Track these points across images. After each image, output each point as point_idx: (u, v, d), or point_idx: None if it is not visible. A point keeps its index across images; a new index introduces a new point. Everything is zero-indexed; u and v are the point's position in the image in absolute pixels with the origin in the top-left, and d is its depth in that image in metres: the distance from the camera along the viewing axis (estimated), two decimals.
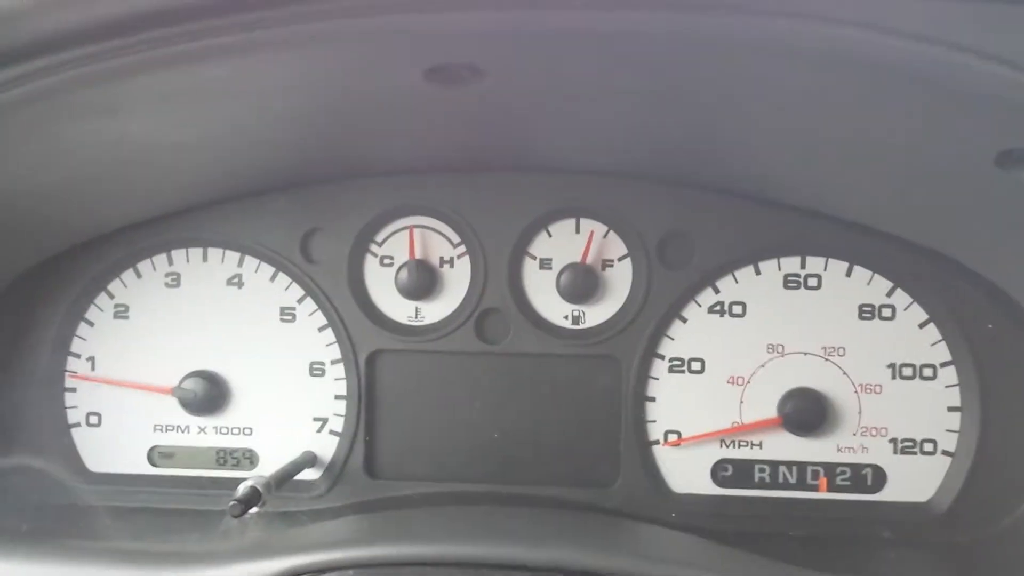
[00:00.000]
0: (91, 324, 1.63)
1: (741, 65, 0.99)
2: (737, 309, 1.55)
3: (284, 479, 1.49)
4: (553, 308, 1.58)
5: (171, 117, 1.13)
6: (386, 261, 1.61)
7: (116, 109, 1.04)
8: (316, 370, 1.61)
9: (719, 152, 1.39)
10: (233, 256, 1.62)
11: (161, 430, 1.62)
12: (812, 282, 1.53)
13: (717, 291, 1.55)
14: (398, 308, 1.61)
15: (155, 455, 1.63)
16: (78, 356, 1.64)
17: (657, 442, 1.56)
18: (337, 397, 1.60)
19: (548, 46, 0.90)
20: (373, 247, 1.61)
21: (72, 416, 1.64)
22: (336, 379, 1.60)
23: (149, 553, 1.25)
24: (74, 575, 1.22)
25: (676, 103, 1.17)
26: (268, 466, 1.58)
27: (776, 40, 0.85)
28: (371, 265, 1.61)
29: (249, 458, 1.62)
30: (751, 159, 1.39)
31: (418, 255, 1.59)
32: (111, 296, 1.63)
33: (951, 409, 1.51)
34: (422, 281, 1.57)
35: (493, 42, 0.90)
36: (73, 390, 1.64)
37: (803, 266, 1.53)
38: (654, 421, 1.56)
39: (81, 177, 1.33)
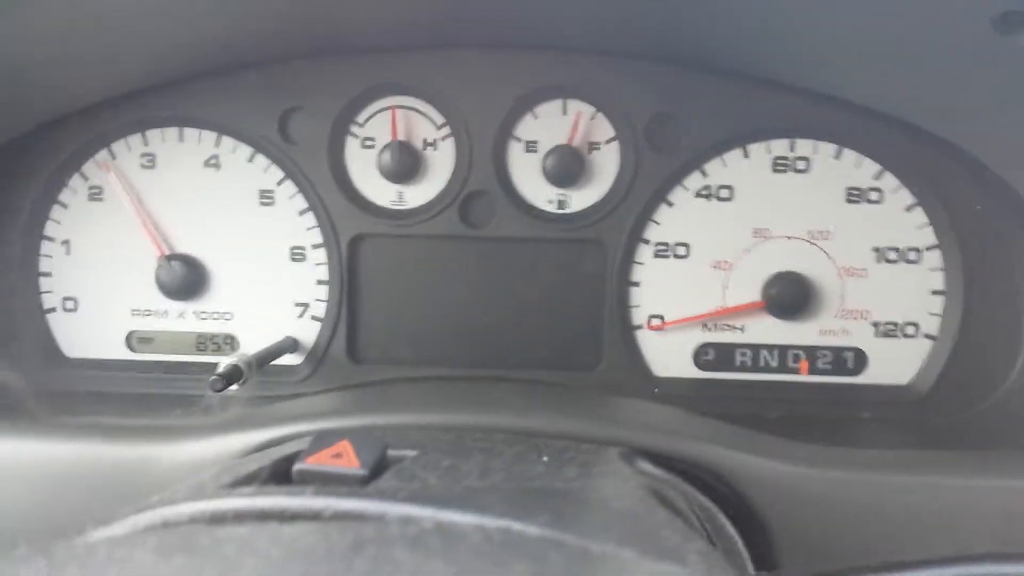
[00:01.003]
0: (65, 207, 1.59)
1: None
2: (724, 193, 1.53)
3: (265, 360, 1.48)
4: (538, 192, 1.56)
5: None
6: (367, 143, 1.57)
7: None
8: (297, 255, 1.58)
9: (710, 26, 1.36)
10: (210, 136, 1.57)
11: (140, 315, 1.60)
12: (801, 165, 1.52)
13: (705, 175, 1.53)
14: (380, 191, 1.58)
15: (133, 340, 1.61)
16: (52, 240, 1.60)
17: (640, 327, 1.56)
18: (319, 282, 1.58)
19: None
20: (354, 128, 1.57)
21: (47, 301, 1.61)
22: (317, 264, 1.58)
23: (128, 428, 1.24)
24: (52, 450, 1.21)
25: None
26: (249, 351, 1.55)
27: None
28: (352, 147, 1.57)
29: (230, 343, 1.60)
30: (742, 33, 1.35)
31: (401, 136, 1.55)
32: (85, 178, 1.59)
33: (934, 293, 1.51)
34: (405, 163, 1.54)
35: None
36: (48, 275, 1.60)
37: (792, 148, 1.52)
38: (638, 306, 1.56)
39: (46, 50, 1.28)
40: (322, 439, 0.88)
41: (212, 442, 1.18)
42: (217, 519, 0.69)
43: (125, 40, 1.34)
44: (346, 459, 0.84)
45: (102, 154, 1.58)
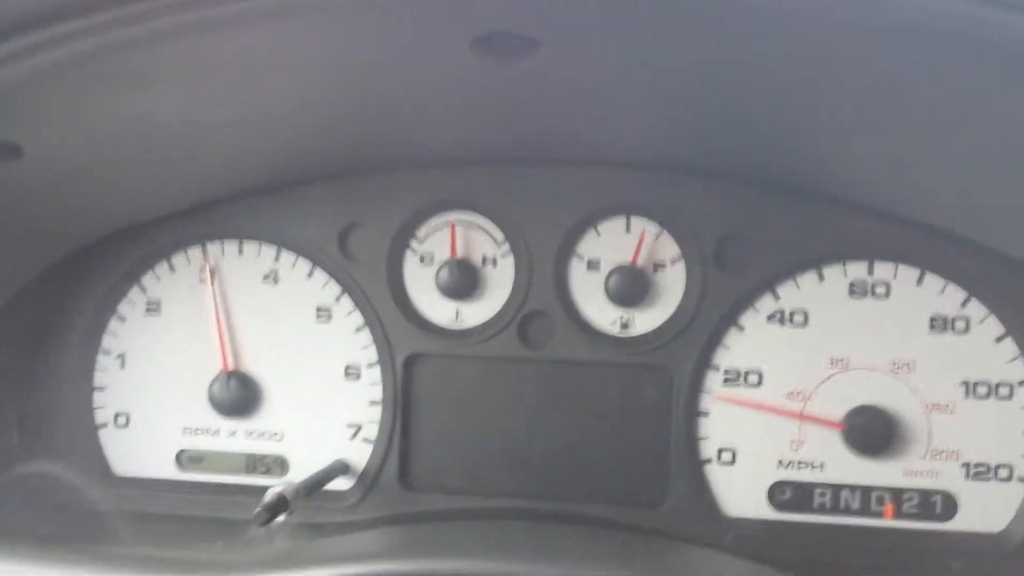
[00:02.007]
0: (122, 319, 1.58)
1: (823, 45, 0.90)
2: (798, 318, 1.45)
3: (314, 487, 1.41)
4: (601, 312, 1.50)
5: (203, 93, 1.07)
6: (426, 259, 1.53)
7: (145, 81, 0.98)
8: (351, 373, 1.54)
9: (783, 147, 1.30)
10: (270, 250, 1.56)
11: (191, 433, 1.56)
12: (880, 290, 1.43)
13: (777, 298, 1.45)
14: (438, 309, 1.53)
15: (183, 459, 1.57)
16: (108, 353, 1.58)
17: (709, 460, 1.46)
18: (372, 403, 1.53)
19: (610, 15, 0.82)
20: (413, 244, 1.53)
21: (99, 416, 1.58)
22: (372, 384, 1.53)
23: (169, 560, 1.19)
24: None
25: (742, 89, 1.08)
26: (299, 473, 1.51)
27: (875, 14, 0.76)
28: (411, 263, 1.54)
29: (280, 464, 1.55)
30: (820, 155, 1.29)
31: (460, 253, 1.52)
32: (143, 290, 1.58)
33: None
34: (463, 281, 1.50)
35: (550, 8, 0.82)
36: (102, 389, 1.58)
37: (871, 272, 1.43)
38: (706, 438, 1.47)
39: (110, 162, 1.28)
40: None
41: None
42: None
43: (189, 158, 1.34)
44: None
45: (199, 249, 1.58)
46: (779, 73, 1.02)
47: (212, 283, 1.56)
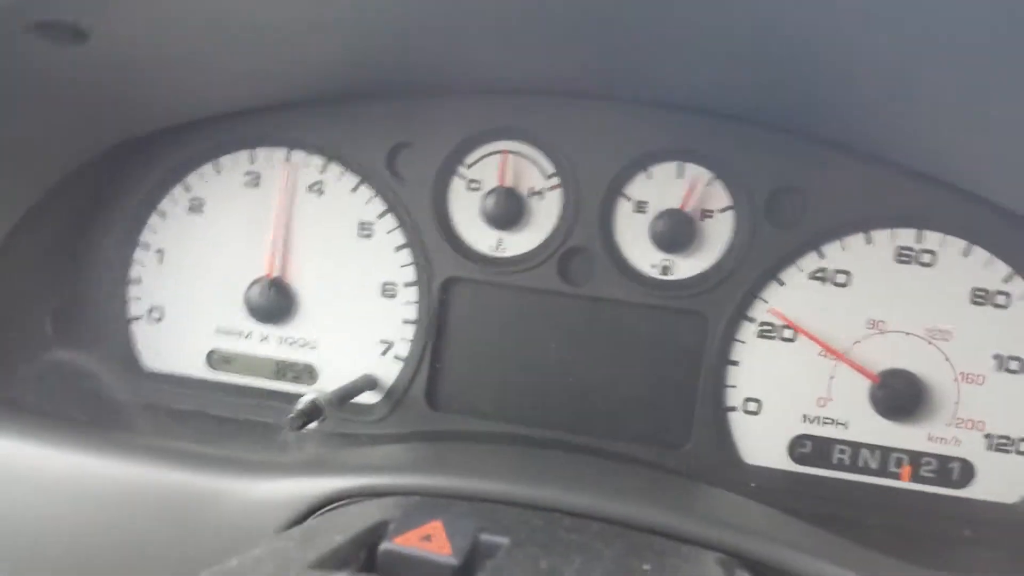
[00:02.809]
0: (163, 215, 1.58)
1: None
2: (841, 278, 1.45)
3: (345, 398, 1.44)
4: (643, 255, 1.50)
5: None
6: (473, 185, 1.53)
7: None
8: (388, 291, 1.54)
9: (849, 104, 1.29)
10: (317, 162, 1.55)
11: (223, 333, 1.57)
12: (926, 258, 1.43)
13: (822, 256, 1.45)
14: (480, 236, 1.53)
15: (214, 359, 1.58)
16: (147, 247, 1.59)
17: (735, 408, 1.48)
18: (406, 322, 1.54)
19: None
20: (461, 169, 1.53)
21: (133, 309, 1.59)
22: (407, 303, 1.54)
23: (207, 457, 1.21)
24: (125, 471, 1.18)
25: (810, 38, 1.07)
26: (327, 384, 1.52)
27: None
28: (457, 187, 1.53)
29: (309, 373, 1.57)
30: (882, 114, 1.28)
31: (507, 182, 1.51)
32: (187, 189, 1.58)
33: None
34: (509, 210, 1.50)
35: None
36: (138, 282, 1.59)
37: (919, 240, 1.43)
38: (734, 386, 1.48)
39: (172, 56, 1.27)
40: (412, 516, 0.83)
41: (288, 483, 1.14)
42: None
43: (250, 58, 1.33)
44: (437, 543, 0.79)
45: (279, 153, 1.57)
46: (845, 26, 1.00)
47: (285, 186, 1.55)
